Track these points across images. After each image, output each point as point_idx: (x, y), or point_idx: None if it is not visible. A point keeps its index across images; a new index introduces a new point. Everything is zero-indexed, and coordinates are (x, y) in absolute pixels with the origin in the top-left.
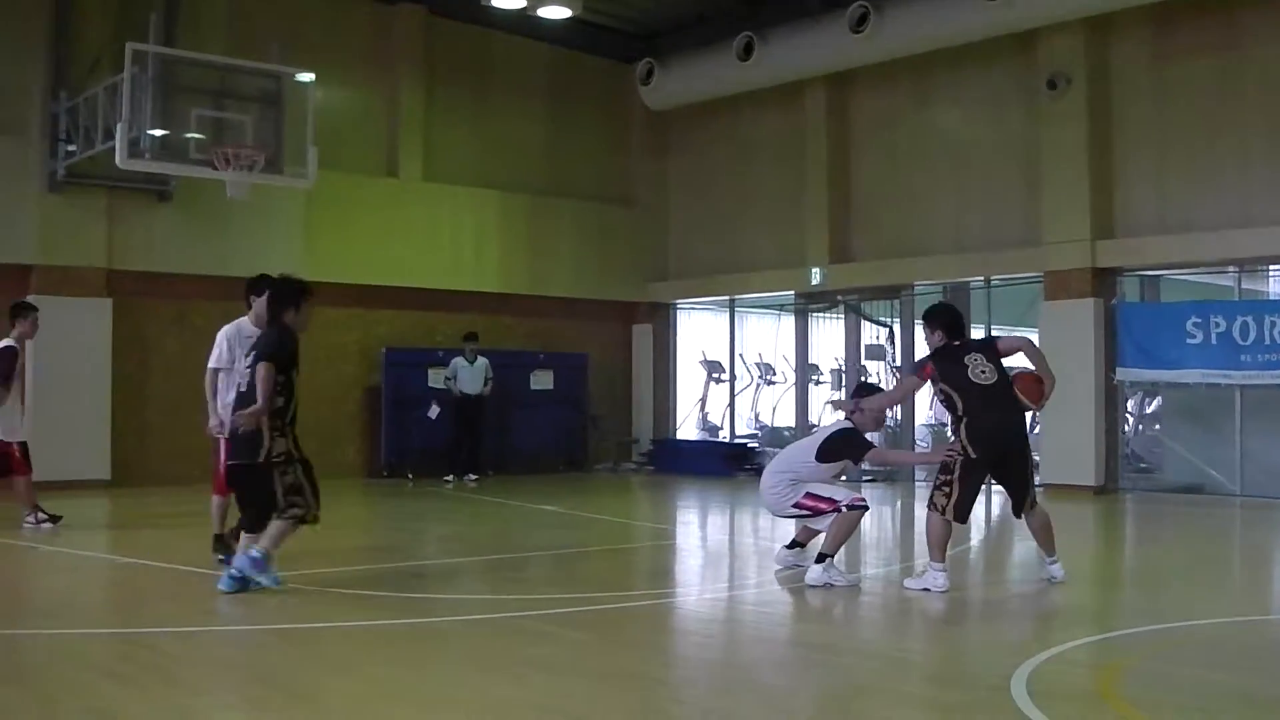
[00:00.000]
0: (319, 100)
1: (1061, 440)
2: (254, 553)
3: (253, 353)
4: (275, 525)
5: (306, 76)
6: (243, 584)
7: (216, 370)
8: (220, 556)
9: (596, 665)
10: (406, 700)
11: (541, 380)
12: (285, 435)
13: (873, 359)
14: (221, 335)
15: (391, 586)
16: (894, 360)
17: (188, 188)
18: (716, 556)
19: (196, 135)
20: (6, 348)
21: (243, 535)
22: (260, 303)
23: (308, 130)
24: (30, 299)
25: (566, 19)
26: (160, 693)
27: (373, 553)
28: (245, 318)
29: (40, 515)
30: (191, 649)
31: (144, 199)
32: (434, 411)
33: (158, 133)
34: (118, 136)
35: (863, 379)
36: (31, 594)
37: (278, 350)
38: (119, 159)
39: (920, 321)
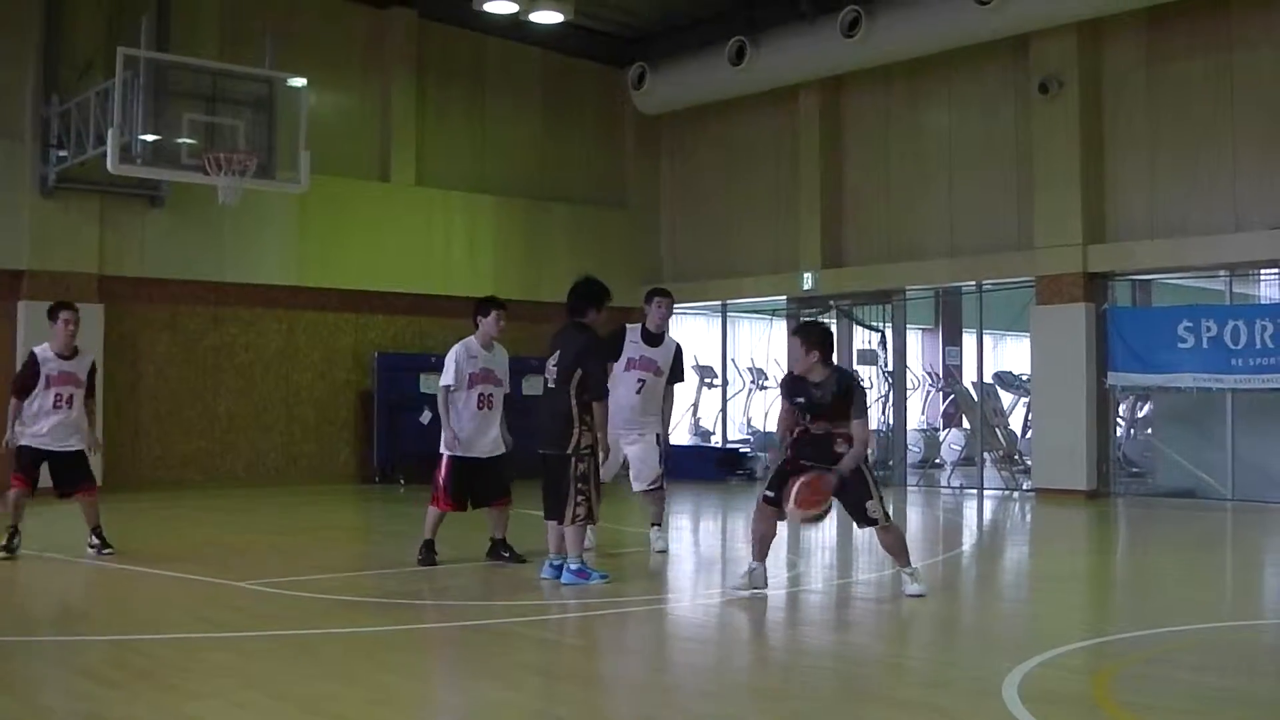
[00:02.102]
0: (311, 104)
1: (1053, 444)
2: (571, 566)
3: (557, 353)
4: (570, 533)
5: (299, 81)
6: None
7: (448, 388)
8: (421, 558)
9: (590, 670)
10: (400, 706)
11: (534, 385)
12: (590, 430)
13: (865, 364)
14: (452, 355)
15: (384, 592)
16: (886, 365)
17: (180, 192)
18: (709, 562)
19: (189, 140)
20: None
21: (548, 524)
22: (487, 322)
23: (300, 135)
24: (21, 304)
25: (559, 23)
26: (152, 698)
27: (365, 559)
28: (473, 337)
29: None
30: (184, 655)
31: (136, 204)
32: (426, 417)
33: (150, 137)
34: (109, 141)
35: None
36: (23, 600)
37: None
38: (111, 164)
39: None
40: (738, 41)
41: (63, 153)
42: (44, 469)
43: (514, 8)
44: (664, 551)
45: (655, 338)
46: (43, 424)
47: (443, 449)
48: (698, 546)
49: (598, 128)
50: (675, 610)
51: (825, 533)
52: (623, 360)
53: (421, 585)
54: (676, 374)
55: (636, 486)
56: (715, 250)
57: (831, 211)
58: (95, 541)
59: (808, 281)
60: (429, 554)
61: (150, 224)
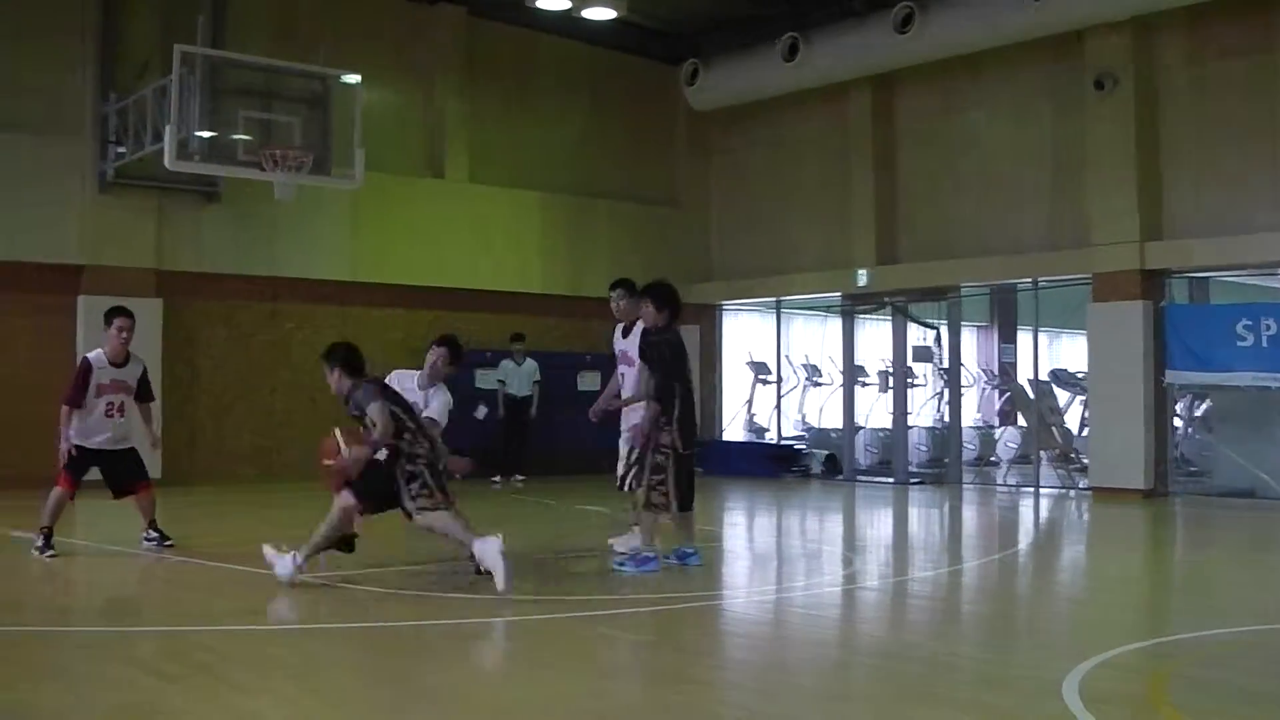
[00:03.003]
0: (364, 101)
1: (1111, 443)
2: (642, 553)
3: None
4: (643, 518)
5: (352, 78)
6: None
7: None
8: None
9: (643, 666)
10: (451, 700)
11: (588, 381)
12: (670, 430)
13: (920, 361)
14: None
15: (439, 587)
16: (941, 362)
17: (235, 188)
18: (764, 559)
19: (244, 137)
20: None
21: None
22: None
23: (354, 132)
24: (80, 299)
25: (610, 20)
26: (207, 690)
27: (417, 552)
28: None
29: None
30: (240, 648)
31: (192, 200)
32: (481, 412)
33: (206, 134)
34: (166, 138)
35: None
36: (80, 593)
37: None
38: (168, 160)
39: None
40: (790, 38)
41: (121, 149)
42: (94, 468)
43: (566, 4)
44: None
45: (627, 329)
46: (95, 436)
47: None
48: (753, 544)
49: (648, 125)
50: (731, 607)
51: (880, 530)
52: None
53: (473, 580)
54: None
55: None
56: (767, 247)
57: (885, 208)
58: (153, 535)
59: (862, 278)
60: None
61: (206, 219)
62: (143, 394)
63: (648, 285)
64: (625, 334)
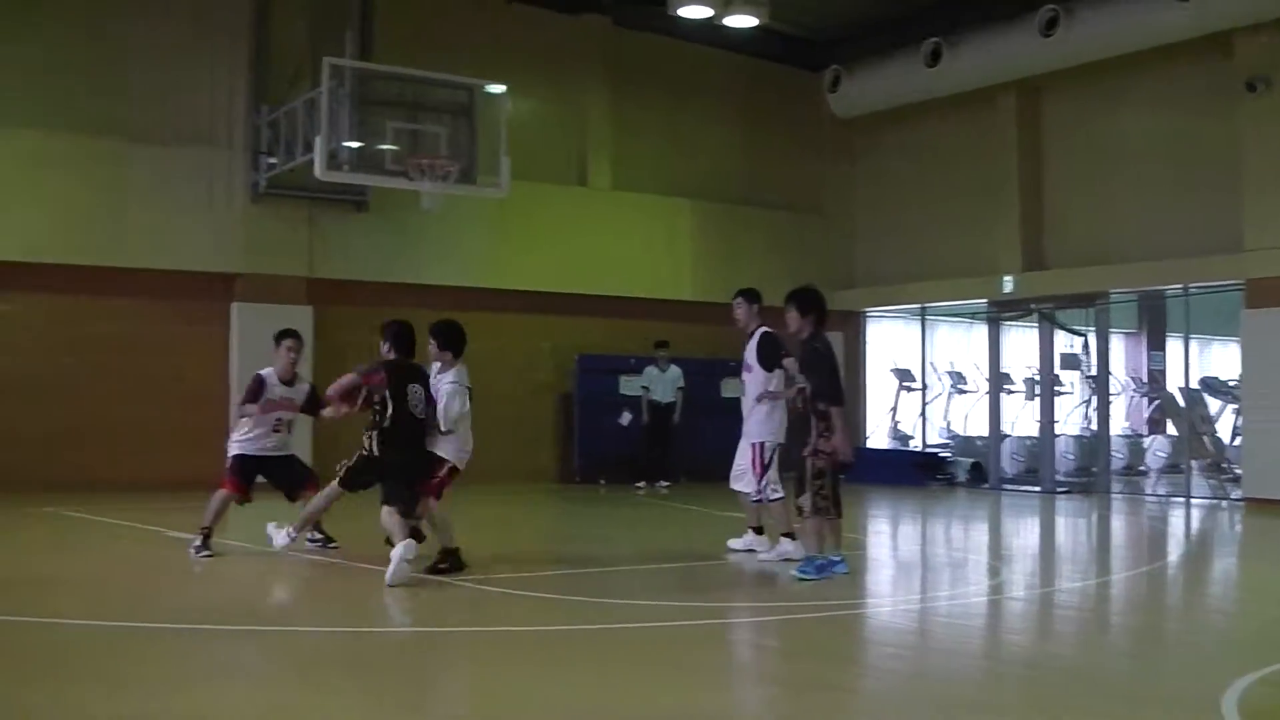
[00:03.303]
0: (510, 110)
1: (1264, 453)
2: (810, 558)
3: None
4: (808, 524)
5: (498, 88)
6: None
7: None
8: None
9: (788, 673)
10: (599, 704)
11: (732, 388)
12: (826, 436)
13: (1068, 368)
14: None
15: (583, 591)
16: (1089, 369)
17: (383, 198)
18: (908, 567)
19: (392, 147)
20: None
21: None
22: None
23: (500, 141)
24: (234, 306)
25: (753, 28)
26: (364, 688)
27: (564, 558)
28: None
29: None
30: (393, 649)
31: (342, 209)
32: (625, 418)
33: (355, 145)
34: (316, 149)
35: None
36: (245, 593)
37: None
38: (318, 171)
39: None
40: (933, 43)
41: (272, 160)
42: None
43: (708, 12)
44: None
45: (747, 338)
46: (259, 444)
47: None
48: (897, 552)
49: (792, 132)
50: (875, 615)
51: (1026, 539)
52: None
53: (623, 585)
54: (766, 360)
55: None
56: (911, 253)
57: (1031, 213)
58: (318, 536)
59: (1008, 285)
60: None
61: (355, 228)
62: (310, 408)
63: (791, 291)
64: (747, 342)
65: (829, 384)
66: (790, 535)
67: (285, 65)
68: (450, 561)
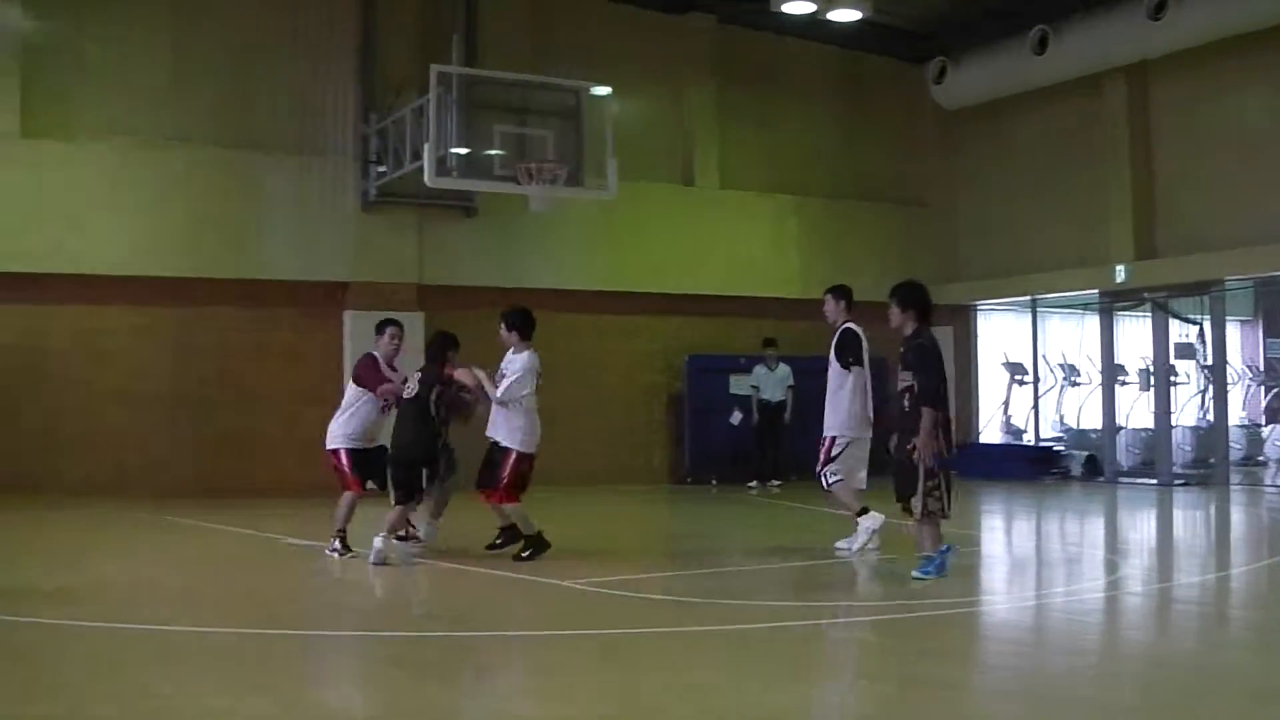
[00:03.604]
0: (615, 112)
1: None
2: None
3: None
4: (923, 528)
5: (603, 90)
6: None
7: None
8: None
9: (906, 672)
10: (714, 705)
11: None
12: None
13: (1183, 358)
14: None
15: (699, 592)
16: (1205, 359)
17: (490, 203)
18: (1024, 563)
19: (499, 152)
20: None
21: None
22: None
23: (607, 142)
24: (347, 314)
25: (856, 21)
26: (479, 692)
27: (679, 558)
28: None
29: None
30: (509, 652)
31: (450, 215)
32: (736, 418)
33: (463, 151)
34: (425, 156)
35: None
36: (357, 597)
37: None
38: (428, 177)
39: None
40: (1039, 31)
41: (381, 168)
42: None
43: (812, 7)
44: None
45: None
46: (358, 425)
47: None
48: (1012, 548)
49: (897, 125)
50: (992, 612)
51: (1144, 533)
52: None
53: (739, 585)
54: (841, 356)
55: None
56: (1020, 245)
57: (1142, 201)
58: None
59: (1120, 274)
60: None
61: (464, 234)
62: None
63: (895, 285)
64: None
65: (932, 384)
66: (865, 511)
67: (392, 74)
68: (534, 548)
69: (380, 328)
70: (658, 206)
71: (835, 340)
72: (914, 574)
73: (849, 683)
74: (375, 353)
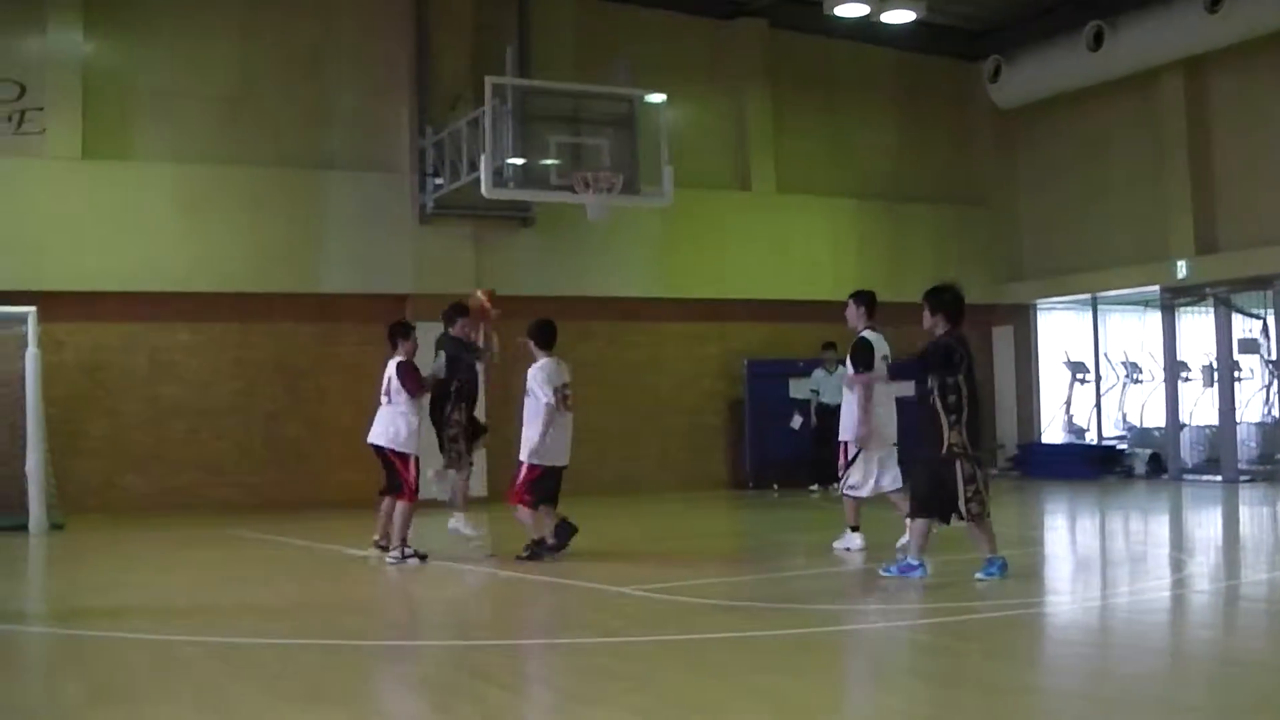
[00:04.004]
0: (669, 119)
1: None
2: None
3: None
4: (973, 529)
5: (657, 97)
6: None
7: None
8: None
9: (980, 675)
10: (787, 711)
11: (901, 387)
12: (958, 430)
13: (1246, 353)
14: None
15: (765, 597)
16: (1269, 353)
17: (547, 212)
18: (1088, 563)
19: (555, 161)
20: (403, 362)
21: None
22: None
23: (662, 150)
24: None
25: (910, 22)
26: (544, 701)
27: (743, 563)
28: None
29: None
30: (573, 659)
31: (507, 226)
32: (796, 422)
33: (518, 161)
34: (482, 167)
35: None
36: (422, 605)
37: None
38: (484, 189)
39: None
40: (1095, 27)
41: (439, 181)
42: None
43: (865, 9)
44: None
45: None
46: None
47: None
48: (1076, 548)
49: (952, 125)
50: (1057, 613)
51: (1210, 531)
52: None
53: (798, 589)
54: (855, 364)
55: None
56: (1079, 242)
57: (1202, 196)
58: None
59: (1181, 270)
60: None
61: (521, 244)
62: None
63: (927, 290)
64: None
65: (906, 368)
66: (856, 529)
67: (446, 87)
68: (532, 551)
69: (404, 333)
70: (714, 212)
71: (850, 347)
72: (978, 575)
73: (915, 686)
74: (403, 358)
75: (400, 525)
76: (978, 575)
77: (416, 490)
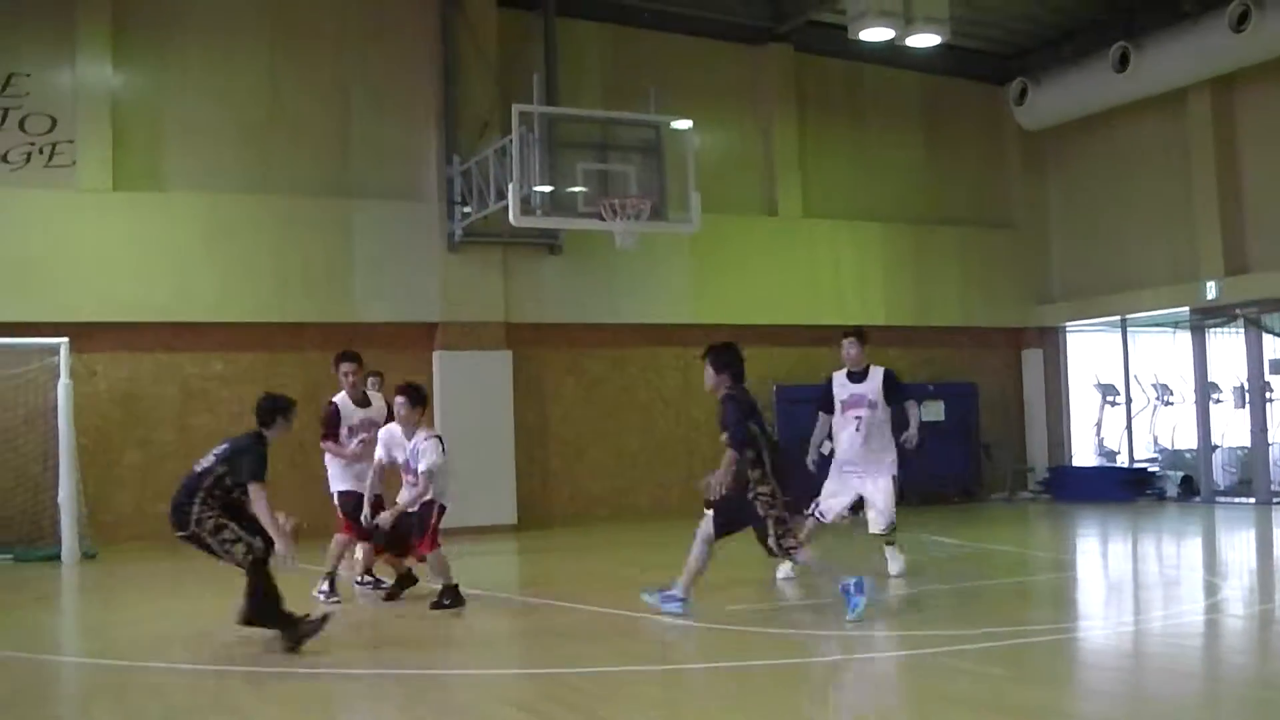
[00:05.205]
0: (696, 145)
1: None
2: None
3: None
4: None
5: (683, 123)
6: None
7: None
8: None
9: (1015, 701)
10: None
11: (931, 411)
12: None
13: (1278, 374)
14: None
15: (797, 624)
16: None
17: (575, 239)
18: (1120, 587)
19: (583, 189)
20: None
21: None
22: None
23: (689, 176)
24: (435, 354)
25: (935, 46)
26: None
27: (777, 591)
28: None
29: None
30: (608, 687)
31: (535, 253)
32: (826, 448)
33: (546, 189)
34: (510, 195)
35: None
36: (453, 634)
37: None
38: (512, 217)
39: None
40: (1121, 48)
41: (466, 209)
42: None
43: (890, 33)
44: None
45: (858, 375)
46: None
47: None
48: (1108, 571)
49: (979, 147)
50: (1089, 637)
51: (1243, 554)
52: (837, 406)
53: (831, 616)
54: (895, 396)
55: (874, 529)
56: (1107, 264)
57: (1231, 215)
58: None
59: (1211, 290)
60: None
61: (549, 271)
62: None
63: (711, 347)
64: (858, 379)
65: (740, 432)
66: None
67: (474, 116)
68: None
69: (336, 363)
70: (741, 237)
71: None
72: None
73: (951, 712)
74: (336, 399)
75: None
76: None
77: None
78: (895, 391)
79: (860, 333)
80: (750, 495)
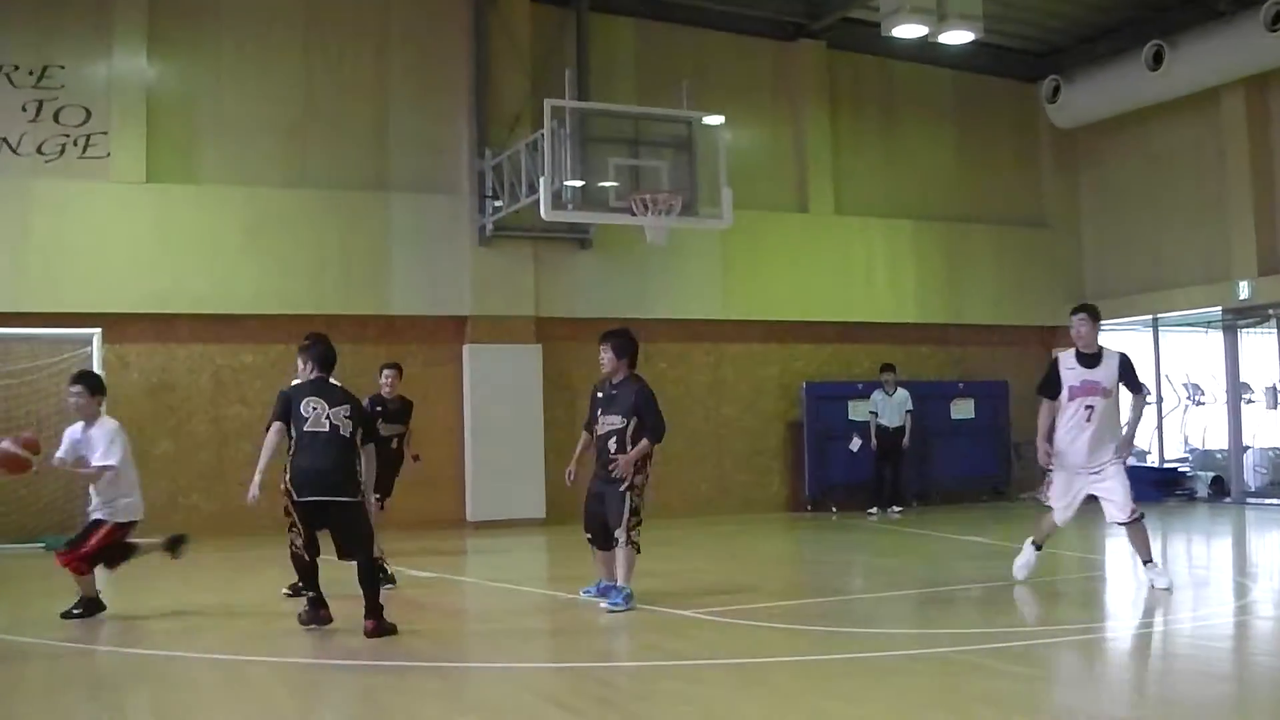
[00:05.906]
0: (728, 141)
1: None
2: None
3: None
4: (625, 555)
5: (715, 119)
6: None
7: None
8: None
9: (1043, 701)
10: None
11: (962, 409)
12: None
13: None
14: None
15: (823, 621)
16: None
17: (605, 234)
18: (1149, 587)
19: (614, 183)
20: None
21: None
22: None
23: (720, 172)
24: (466, 348)
25: (968, 43)
26: None
27: (801, 586)
28: None
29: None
30: (639, 683)
31: (566, 247)
32: (855, 444)
33: (577, 183)
34: (541, 190)
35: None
36: (485, 629)
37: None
38: (544, 211)
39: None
40: (1154, 46)
41: (498, 203)
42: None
43: (923, 30)
44: (1168, 589)
45: (1091, 358)
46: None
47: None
48: (1137, 571)
49: (1012, 145)
50: (1116, 638)
51: (1274, 555)
52: (1064, 391)
53: (867, 613)
54: (1135, 384)
55: (1117, 519)
56: (1140, 263)
57: (1265, 215)
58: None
59: (1243, 290)
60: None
61: (580, 266)
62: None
63: (608, 332)
64: (1091, 364)
65: (661, 424)
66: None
67: (505, 110)
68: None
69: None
70: (773, 234)
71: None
72: (606, 605)
73: (979, 711)
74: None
75: None
76: (605, 605)
77: None
78: (1134, 379)
79: (1091, 309)
80: (624, 487)
